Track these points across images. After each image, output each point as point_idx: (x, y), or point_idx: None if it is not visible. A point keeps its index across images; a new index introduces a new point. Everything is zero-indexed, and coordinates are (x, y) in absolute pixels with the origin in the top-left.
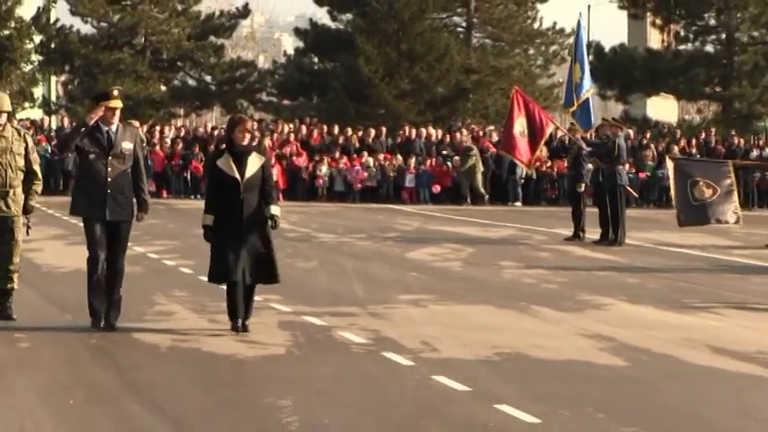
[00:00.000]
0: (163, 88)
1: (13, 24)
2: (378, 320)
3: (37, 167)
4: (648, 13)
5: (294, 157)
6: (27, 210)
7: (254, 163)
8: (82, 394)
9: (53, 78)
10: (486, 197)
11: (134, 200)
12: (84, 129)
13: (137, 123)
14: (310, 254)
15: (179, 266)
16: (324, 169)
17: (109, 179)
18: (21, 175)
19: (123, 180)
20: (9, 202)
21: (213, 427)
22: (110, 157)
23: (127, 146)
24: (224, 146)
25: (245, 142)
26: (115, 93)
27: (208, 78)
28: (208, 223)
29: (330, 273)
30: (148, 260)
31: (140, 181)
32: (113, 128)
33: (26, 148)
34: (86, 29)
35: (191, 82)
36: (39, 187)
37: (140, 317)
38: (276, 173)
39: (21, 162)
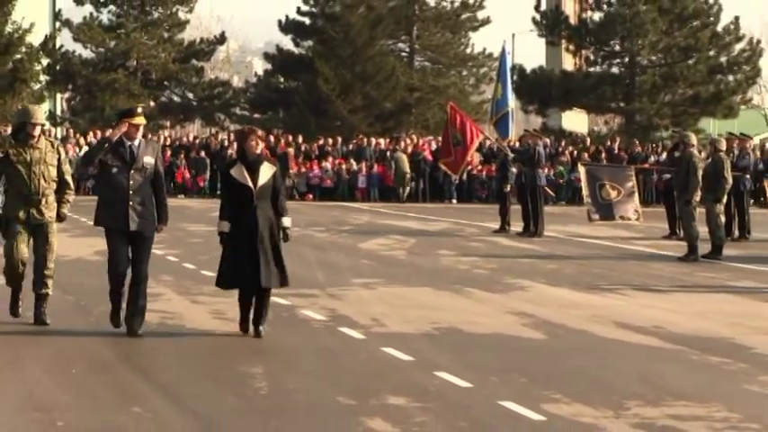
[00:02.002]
0: (152, 104)
1: (24, 50)
2: (335, 301)
3: (69, 178)
4: (563, 41)
5: None
6: (60, 217)
7: (266, 172)
8: (83, 364)
9: (58, 95)
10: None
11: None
12: (107, 144)
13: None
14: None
15: (166, 255)
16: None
17: (131, 191)
18: (53, 185)
19: (144, 192)
20: (42, 210)
21: (197, 392)
22: (132, 171)
23: (148, 160)
24: (236, 155)
25: (258, 151)
26: (139, 110)
27: (190, 95)
28: (225, 230)
29: (294, 260)
30: None
31: (161, 194)
32: (136, 143)
33: (59, 160)
34: (87, 53)
35: (176, 98)
36: (71, 196)
37: None
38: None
39: (53, 172)
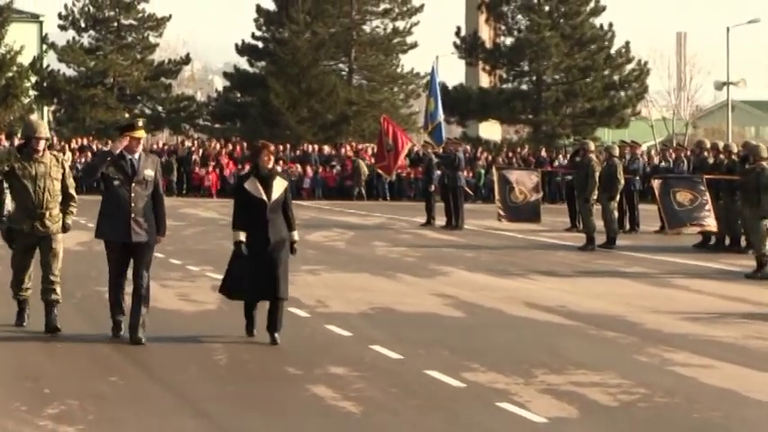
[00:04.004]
0: (126, 115)
1: (15, 69)
2: None
3: (73, 191)
4: (480, 62)
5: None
6: (65, 228)
7: (279, 186)
8: (69, 340)
9: (45, 108)
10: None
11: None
12: (109, 158)
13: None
14: None
15: None
16: None
17: (132, 204)
18: (58, 199)
19: (146, 205)
20: (46, 222)
21: (165, 363)
22: (133, 184)
23: (149, 173)
24: (250, 170)
25: (270, 166)
26: (140, 123)
27: (160, 108)
28: (241, 239)
29: None
30: None
31: (159, 206)
32: (136, 156)
33: (63, 174)
34: (70, 72)
35: (147, 111)
36: (75, 209)
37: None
38: (211, 178)
39: (58, 186)
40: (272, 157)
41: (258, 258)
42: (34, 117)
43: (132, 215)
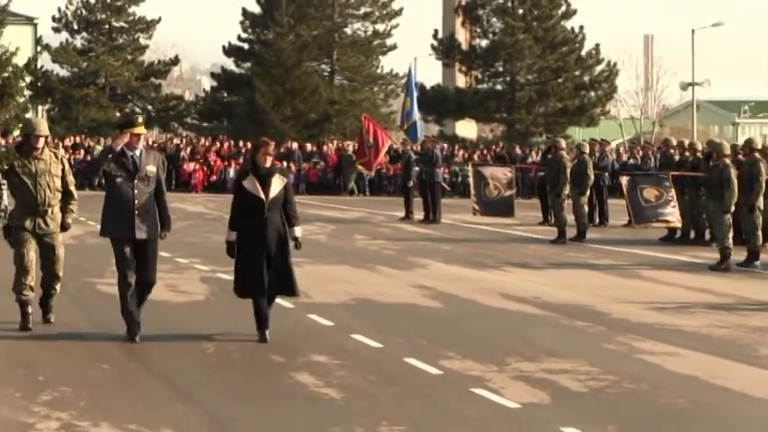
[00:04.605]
0: (117, 114)
1: (11, 69)
2: None
3: (73, 188)
4: (456, 63)
5: (212, 162)
6: (64, 227)
7: (277, 184)
8: (62, 329)
9: (40, 107)
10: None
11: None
12: (111, 154)
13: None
14: (222, 230)
15: None
16: (231, 171)
17: (136, 201)
18: (58, 196)
19: (148, 201)
20: (48, 221)
21: (156, 351)
22: (136, 180)
23: (151, 169)
24: (248, 167)
25: (268, 164)
26: (140, 120)
27: (150, 107)
28: (232, 239)
29: None
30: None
31: (163, 201)
32: (138, 152)
33: (63, 171)
34: (63, 72)
35: (137, 110)
36: (75, 206)
37: (101, 274)
38: (198, 174)
39: (58, 183)
40: (271, 155)
41: (259, 257)
42: (32, 115)
43: (136, 212)
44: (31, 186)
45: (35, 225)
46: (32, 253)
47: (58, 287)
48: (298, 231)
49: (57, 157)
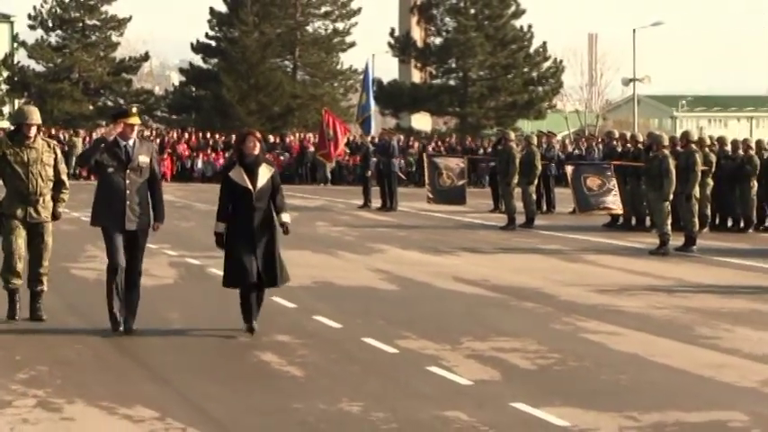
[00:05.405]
0: (90, 108)
1: None
2: None
3: (65, 177)
4: (412, 59)
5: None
6: (55, 216)
7: (264, 174)
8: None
9: (16, 100)
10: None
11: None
12: (103, 144)
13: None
14: (191, 217)
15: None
16: (199, 162)
17: (127, 191)
18: (50, 184)
19: (141, 192)
20: (39, 209)
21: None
22: (128, 171)
23: (144, 159)
24: (235, 157)
25: (257, 151)
26: (134, 110)
27: (121, 101)
28: (220, 231)
29: (203, 229)
30: (82, 222)
31: (157, 192)
32: (131, 143)
33: (55, 159)
34: (39, 68)
35: (109, 103)
36: (66, 195)
37: (75, 259)
38: (167, 164)
39: (50, 172)
40: (258, 145)
41: (247, 247)
42: (9, 108)
43: (128, 202)
44: (22, 175)
45: (26, 213)
46: (21, 241)
47: (45, 281)
48: (285, 217)
49: (49, 146)
